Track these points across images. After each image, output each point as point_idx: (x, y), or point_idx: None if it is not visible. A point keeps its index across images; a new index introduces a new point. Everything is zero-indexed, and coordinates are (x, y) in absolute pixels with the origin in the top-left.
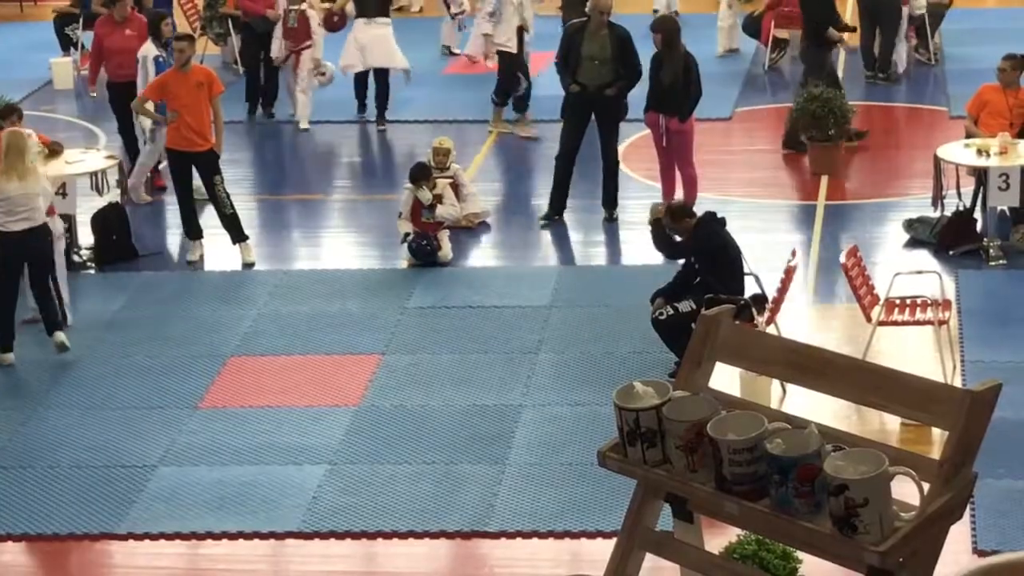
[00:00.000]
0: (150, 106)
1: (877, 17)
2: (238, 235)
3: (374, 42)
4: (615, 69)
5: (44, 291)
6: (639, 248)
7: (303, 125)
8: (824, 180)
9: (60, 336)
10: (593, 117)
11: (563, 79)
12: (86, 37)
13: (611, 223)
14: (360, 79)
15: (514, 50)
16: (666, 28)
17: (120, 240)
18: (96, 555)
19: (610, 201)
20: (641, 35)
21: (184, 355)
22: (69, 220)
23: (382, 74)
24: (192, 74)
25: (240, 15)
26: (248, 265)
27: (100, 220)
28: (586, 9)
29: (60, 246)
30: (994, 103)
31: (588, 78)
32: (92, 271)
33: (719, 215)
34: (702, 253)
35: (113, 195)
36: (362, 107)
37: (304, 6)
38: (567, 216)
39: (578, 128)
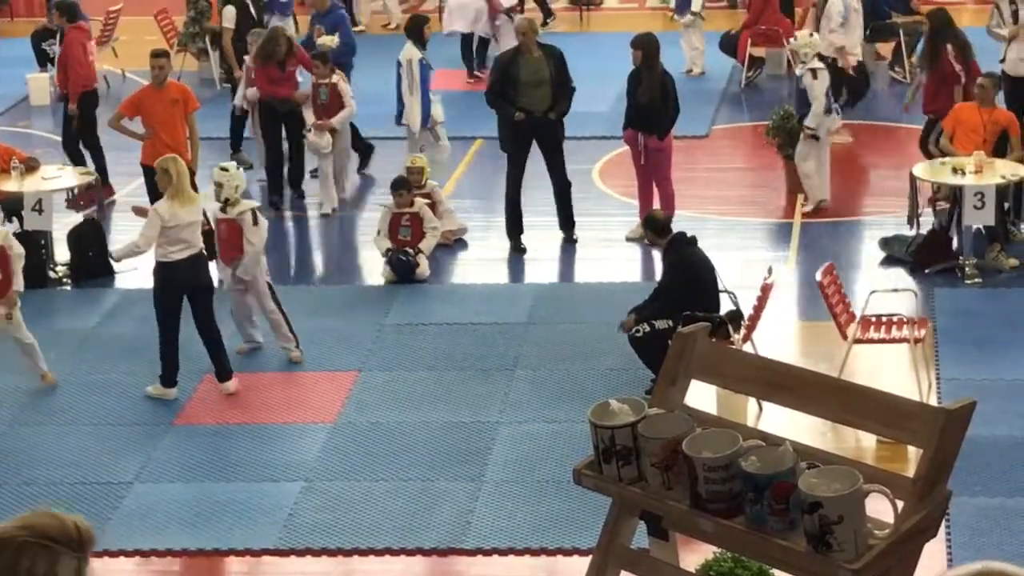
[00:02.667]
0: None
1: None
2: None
3: (461, 8)
4: (551, 91)
5: (209, 327)
6: (616, 265)
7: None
8: (800, 198)
9: (231, 386)
10: (535, 143)
11: (504, 109)
12: None
13: (572, 243)
14: (465, 42)
15: (860, 57)
16: (646, 46)
17: (96, 256)
18: None
19: (568, 223)
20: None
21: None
22: (45, 236)
23: (467, 36)
24: (168, 91)
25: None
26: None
27: (76, 236)
28: (515, 33)
29: (262, 261)
30: (969, 121)
31: (530, 104)
32: (68, 287)
33: (689, 234)
34: (673, 281)
35: (89, 211)
36: (469, 66)
37: (336, 78)
38: (544, 234)
39: (523, 159)
